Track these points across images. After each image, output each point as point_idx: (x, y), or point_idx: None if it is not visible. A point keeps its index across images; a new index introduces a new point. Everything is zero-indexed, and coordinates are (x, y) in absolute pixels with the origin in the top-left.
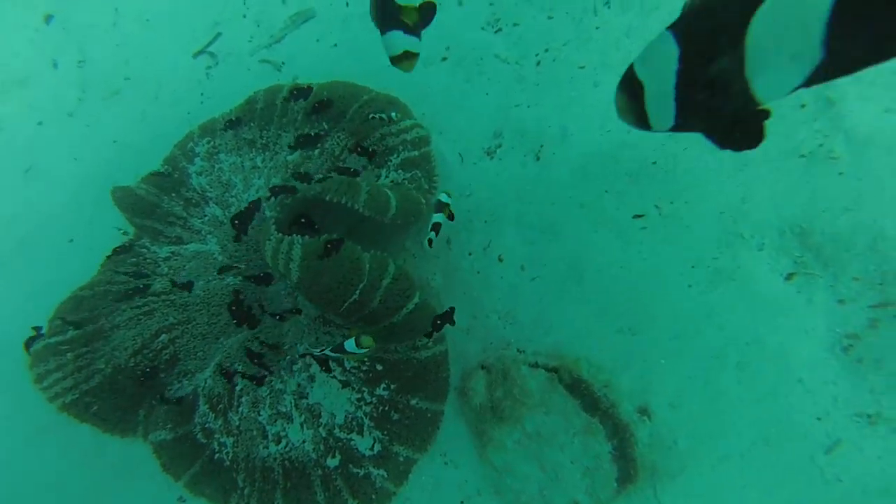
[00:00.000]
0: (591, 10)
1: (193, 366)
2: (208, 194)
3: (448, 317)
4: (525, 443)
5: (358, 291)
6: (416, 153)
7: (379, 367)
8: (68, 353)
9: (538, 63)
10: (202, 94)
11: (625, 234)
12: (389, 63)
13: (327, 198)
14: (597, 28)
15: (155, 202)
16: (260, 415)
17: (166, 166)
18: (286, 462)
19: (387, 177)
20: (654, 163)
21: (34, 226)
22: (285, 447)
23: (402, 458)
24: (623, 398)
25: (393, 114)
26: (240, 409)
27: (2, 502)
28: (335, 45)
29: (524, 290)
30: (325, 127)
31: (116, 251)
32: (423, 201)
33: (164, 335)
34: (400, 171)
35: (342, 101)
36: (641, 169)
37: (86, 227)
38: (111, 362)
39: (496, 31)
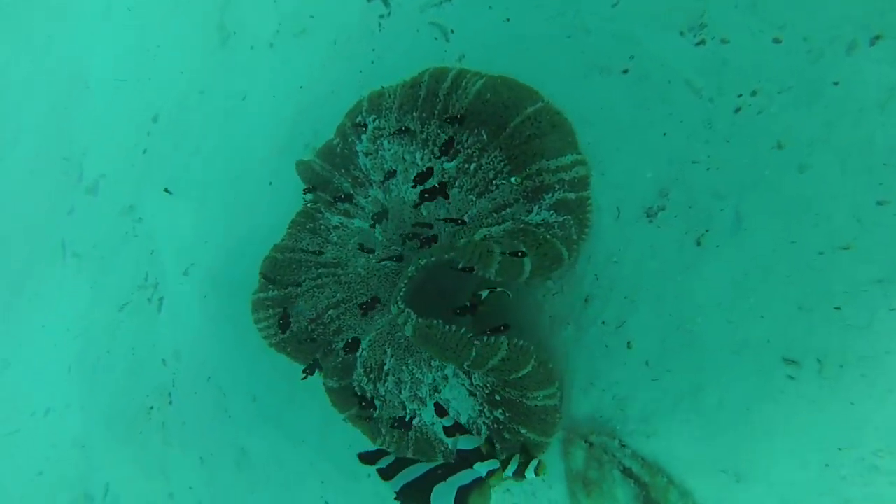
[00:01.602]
0: (844, 47)
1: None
2: (372, 177)
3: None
4: None
5: (467, 363)
6: (573, 196)
7: (497, 398)
8: (270, 308)
9: (737, 110)
10: (373, 51)
11: (765, 374)
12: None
13: (460, 265)
14: (835, 83)
15: (328, 177)
16: (401, 393)
17: (338, 138)
18: (418, 432)
19: (538, 214)
20: (838, 308)
21: (242, 164)
22: (418, 422)
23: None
24: None
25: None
26: (386, 383)
27: (227, 396)
28: (507, 19)
29: (642, 386)
30: (485, 137)
31: (299, 215)
32: (567, 256)
33: (332, 311)
34: (552, 211)
35: (505, 110)
36: (817, 304)
37: (278, 169)
38: (295, 325)
39: (697, 44)
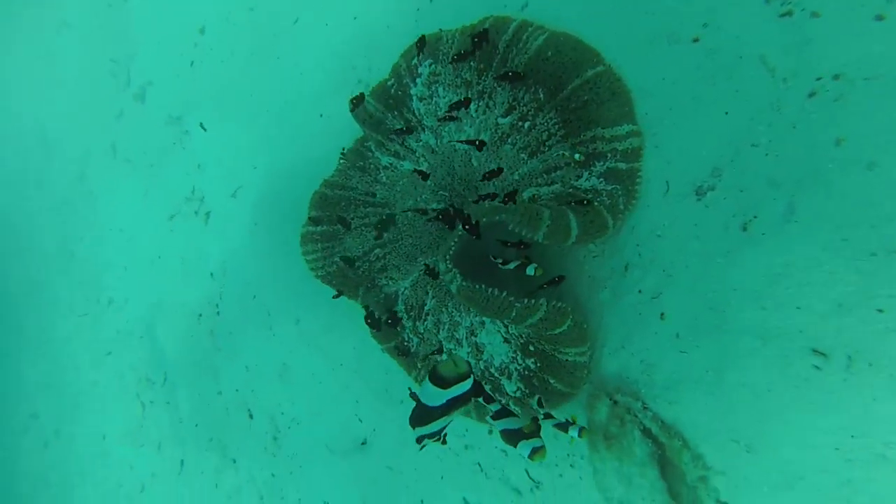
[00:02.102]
0: None
1: (397, 275)
2: (425, 122)
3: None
4: (617, 479)
5: (509, 318)
6: (624, 166)
7: (531, 348)
8: (318, 243)
9: (812, 94)
10: None
11: (791, 361)
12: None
13: (510, 227)
14: None
15: (381, 119)
16: (439, 333)
17: (392, 79)
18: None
19: (587, 181)
20: (881, 311)
21: (291, 92)
22: None
23: (533, 407)
24: (709, 500)
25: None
26: (425, 322)
27: (271, 315)
28: None
29: (670, 356)
30: (542, 97)
31: (349, 152)
32: (612, 225)
33: (377, 249)
34: (602, 179)
35: (564, 70)
36: (859, 304)
37: (329, 101)
38: (342, 260)
39: (782, 15)
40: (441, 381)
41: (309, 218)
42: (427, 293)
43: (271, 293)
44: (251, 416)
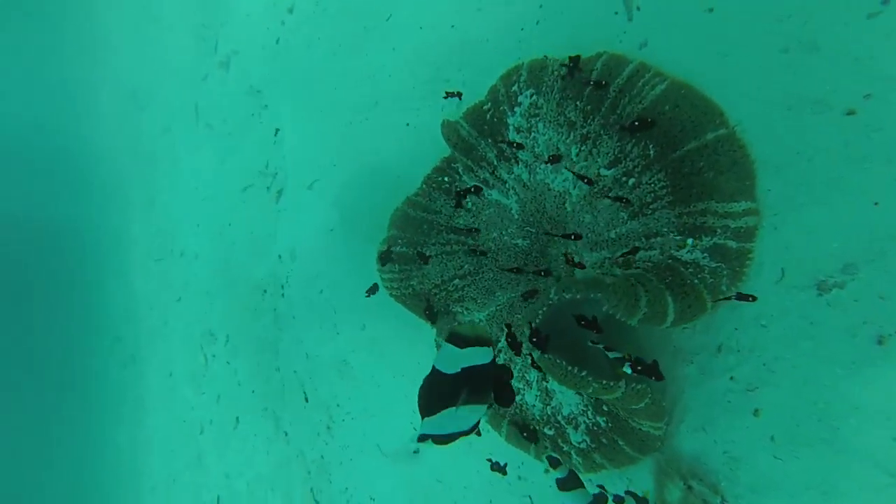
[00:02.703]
0: None
1: (473, 306)
2: (520, 155)
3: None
4: None
5: (586, 392)
6: (734, 245)
7: (604, 407)
8: (396, 263)
9: None
10: (541, 8)
11: None
12: None
13: (604, 308)
14: None
15: (473, 144)
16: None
17: (488, 103)
18: (516, 410)
19: (690, 253)
20: None
21: (377, 91)
22: (520, 399)
23: (597, 462)
24: None
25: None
26: (499, 356)
27: (336, 313)
28: (710, 9)
29: (760, 458)
30: (651, 154)
31: (436, 171)
32: (710, 307)
33: (457, 280)
34: (706, 255)
35: (681, 129)
36: None
37: (417, 109)
38: (419, 286)
39: None
40: (458, 340)
41: (389, 236)
42: (502, 330)
43: (340, 293)
44: (307, 400)
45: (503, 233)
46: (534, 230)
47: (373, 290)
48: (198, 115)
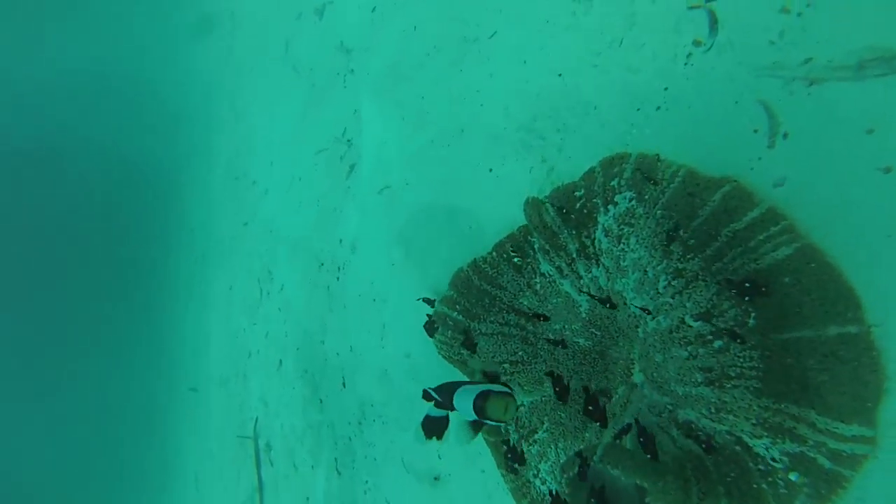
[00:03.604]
0: None
1: (519, 391)
2: (603, 260)
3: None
4: None
5: None
6: (827, 466)
7: None
8: (448, 330)
9: None
10: (665, 90)
11: None
12: None
13: (647, 500)
14: None
15: (556, 232)
16: (540, 463)
17: (581, 190)
18: (539, 496)
19: (765, 449)
20: None
21: (465, 119)
22: (546, 489)
23: None
24: None
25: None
26: (531, 447)
27: (385, 328)
28: (887, 168)
29: None
30: (751, 324)
31: (510, 239)
32: None
33: (507, 364)
34: (785, 458)
35: (797, 310)
36: None
37: (503, 157)
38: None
39: None
40: (482, 414)
41: (447, 297)
42: (542, 422)
43: (391, 311)
44: (344, 386)
45: (566, 327)
46: (599, 333)
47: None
48: (287, 53)
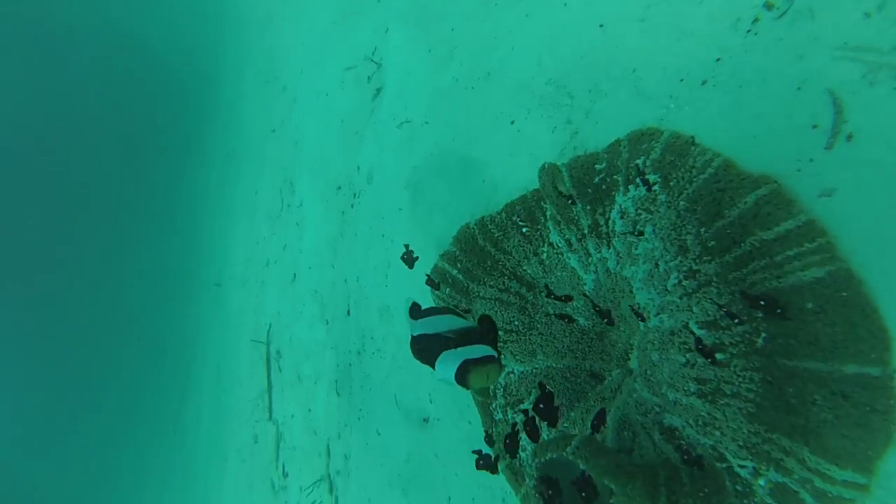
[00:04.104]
0: None
1: (510, 359)
2: (615, 242)
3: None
4: None
5: None
6: (810, 502)
7: None
8: (447, 288)
9: None
10: (717, 62)
11: None
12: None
13: (611, 500)
14: None
15: (570, 203)
16: (522, 435)
17: (604, 163)
18: (517, 462)
19: (747, 472)
20: None
21: (498, 74)
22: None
23: None
24: None
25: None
26: (517, 416)
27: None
28: None
29: None
30: (759, 344)
31: (521, 203)
32: None
33: (501, 332)
34: (766, 486)
35: (812, 339)
36: None
37: (531, 118)
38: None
39: None
40: (464, 384)
41: (448, 252)
42: (529, 394)
43: (397, 251)
44: (349, 314)
45: (567, 305)
46: (598, 316)
47: (432, 283)
48: None
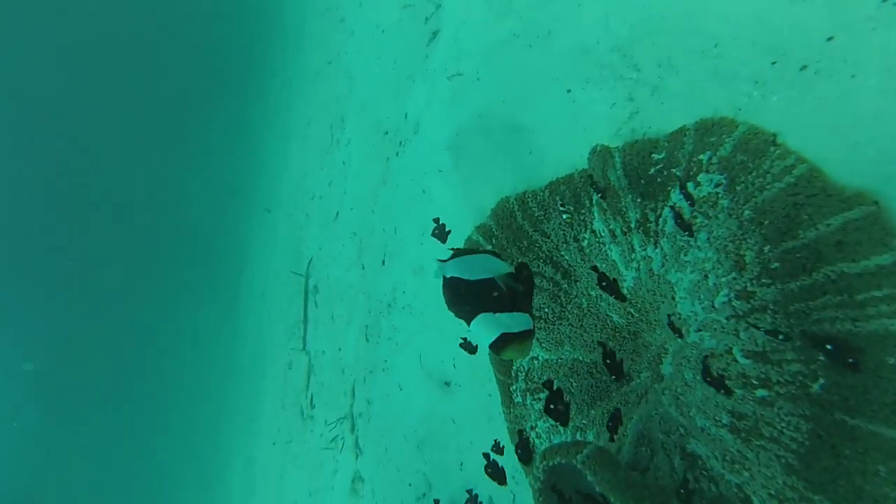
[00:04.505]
0: None
1: (535, 345)
2: (663, 243)
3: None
4: None
5: None
6: None
7: None
8: None
9: None
10: (829, 41)
11: None
12: None
13: None
14: None
15: (616, 193)
16: (542, 418)
17: (663, 152)
18: (531, 445)
19: None
20: None
21: (559, 32)
22: (534, 436)
23: None
24: None
25: None
26: (536, 403)
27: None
28: None
29: None
30: (814, 390)
31: (566, 184)
32: None
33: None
34: None
35: (886, 401)
36: None
37: (586, 82)
38: None
39: None
40: (497, 352)
41: (484, 224)
42: (552, 380)
43: (435, 212)
44: (383, 263)
45: (603, 297)
46: (636, 315)
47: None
48: None
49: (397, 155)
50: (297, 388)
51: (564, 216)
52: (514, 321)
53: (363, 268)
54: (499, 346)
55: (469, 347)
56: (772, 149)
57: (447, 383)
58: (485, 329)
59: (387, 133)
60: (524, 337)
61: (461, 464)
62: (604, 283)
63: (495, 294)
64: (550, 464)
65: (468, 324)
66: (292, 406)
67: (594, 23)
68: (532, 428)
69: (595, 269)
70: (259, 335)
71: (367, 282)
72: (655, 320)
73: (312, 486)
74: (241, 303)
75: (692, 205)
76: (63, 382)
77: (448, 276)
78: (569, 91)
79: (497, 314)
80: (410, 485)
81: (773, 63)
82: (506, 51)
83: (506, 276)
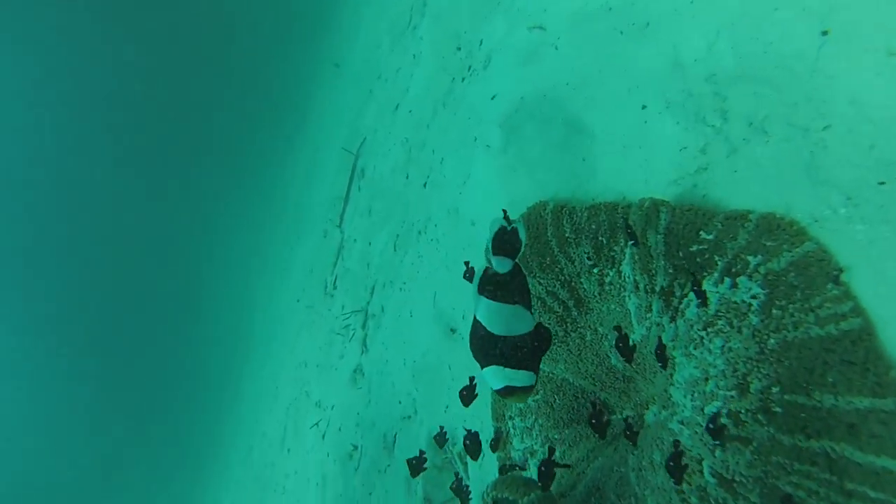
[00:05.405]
0: None
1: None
2: (678, 323)
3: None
4: None
5: None
6: None
7: None
8: None
9: None
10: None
11: None
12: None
13: None
14: None
15: (652, 255)
16: (522, 441)
17: (713, 233)
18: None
19: None
20: None
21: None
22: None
23: None
24: None
25: None
26: (530, 439)
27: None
28: None
29: None
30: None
31: (605, 212)
32: None
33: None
34: None
35: None
36: None
37: (667, 105)
38: None
39: None
40: (501, 396)
41: (506, 217)
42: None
43: (477, 169)
44: (424, 187)
45: (606, 338)
46: (633, 366)
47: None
48: None
49: (463, 80)
50: (326, 262)
51: (594, 270)
52: (520, 377)
53: (407, 177)
54: (503, 394)
55: (466, 400)
56: (830, 285)
57: (453, 330)
58: (493, 379)
59: (459, 49)
60: (526, 392)
61: (447, 407)
62: (620, 345)
63: (512, 352)
64: (499, 496)
65: (481, 367)
66: (319, 276)
67: (700, 35)
68: (510, 418)
69: (618, 329)
70: (308, 192)
71: (407, 194)
72: (652, 375)
73: (320, 359)
74: (293, 155)
75: (702, 305)
76: None
77: (477, 315)
78: (644, 108)
79: (506, 370)
80: (400, 402)
81: (881, 184)
82: (593, 26)
83: (526, 336)
